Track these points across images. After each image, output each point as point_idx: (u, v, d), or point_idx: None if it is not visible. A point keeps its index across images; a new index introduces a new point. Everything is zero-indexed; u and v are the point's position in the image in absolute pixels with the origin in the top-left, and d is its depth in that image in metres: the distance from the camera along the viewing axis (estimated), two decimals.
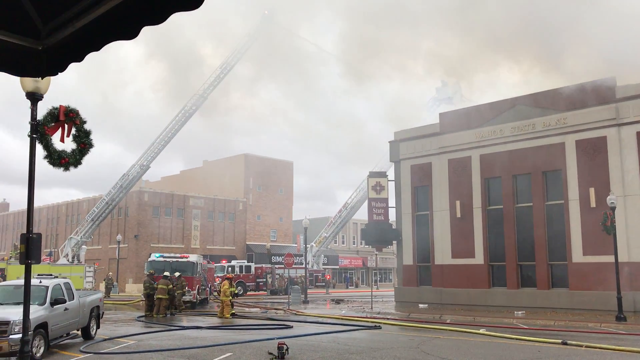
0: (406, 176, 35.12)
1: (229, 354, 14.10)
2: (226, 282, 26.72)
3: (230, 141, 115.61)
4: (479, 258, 30.97)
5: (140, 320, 24.14)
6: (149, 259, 33.80)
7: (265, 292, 50.28)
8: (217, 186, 68.26)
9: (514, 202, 30.28)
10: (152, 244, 55.33)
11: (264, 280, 51.41)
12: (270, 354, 13.43)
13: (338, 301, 39.38)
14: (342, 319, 24.94)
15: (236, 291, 30.92)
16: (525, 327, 21.36)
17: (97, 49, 2.74)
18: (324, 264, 61.47)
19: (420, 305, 31.16)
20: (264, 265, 54.31)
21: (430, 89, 52.26)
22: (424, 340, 17.04)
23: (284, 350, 13.33)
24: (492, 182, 31.32)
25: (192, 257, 34.10)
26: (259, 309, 31.70)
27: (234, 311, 26.47)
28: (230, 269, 48.40)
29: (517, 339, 17.19)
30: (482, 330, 19.47)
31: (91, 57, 2.98)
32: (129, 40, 2.71)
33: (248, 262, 54.42)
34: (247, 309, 31.29)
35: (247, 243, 67.38)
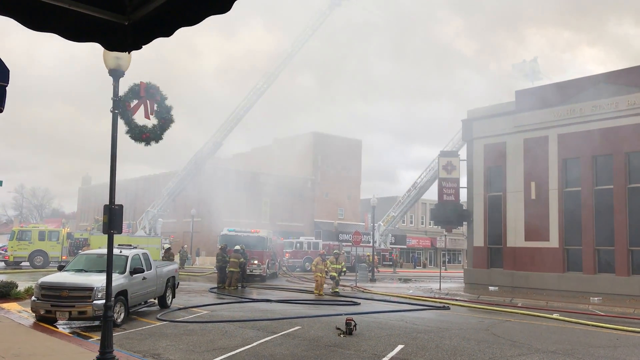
0: (479, 156, 34.23)
1: (298, 327, 14.39)
2: (319, 258, 25.95)
3: (299, 119, 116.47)
4: (553, 241, 29.90)
5: (212, 292, 25.00)
6: (222, 233, 34.80)
7: None
8: (287, 164, 69.14)
9: (593, 185, 28.92)
10: (225, 218, 56.93)
11: None
12: (339, 329, 13.59)
13: (405, 280, 39.25)
14: (409, 297, 24.87)
15: (342, 268, 27.34)
16: (602, 314, 20.52)
17: (190, 23, 2.76)
18: (391, 243, 61.31)
19: (491, 288, 30.54)
20: (331, 242, 54.77)
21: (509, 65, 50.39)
22: (494, 323, 16.72)
23: (352, 327, 13.46)
24: (570, 163, 30.01)
25: (263, 232, 34.84)
26: (327, 285, 32.08)
27: (337, 289, 25.62)
28: (298, 244, 49.18)
29: (593, 325, 16.56)
30: (555, 315, 18.87)
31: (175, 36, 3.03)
32: (222, 14, 2.69)
33: (316, 239, 55.04)
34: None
35: (315, 220, 68.07)
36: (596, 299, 25.02)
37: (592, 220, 28.63)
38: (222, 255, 28.15)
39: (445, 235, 45.59)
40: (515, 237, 31.53)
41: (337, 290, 25.35)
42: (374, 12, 62.49)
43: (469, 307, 22.02)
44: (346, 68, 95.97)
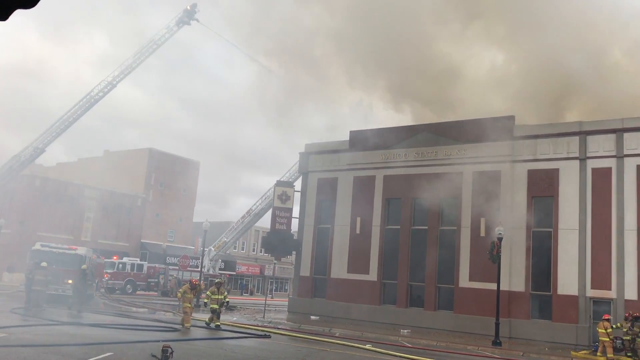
0: (312, 188, 35.51)
1: (110, 353, 13.45)
2: (187, 286, 22.71)
3: (135, 133, 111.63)
4: (372, 275, 31.77)
5: (16, 312, 22.49)
6: (33, 248, 31.68)
7: (156, 293, 48.65)
8: (117, 179, 65.48)
9: (411, 224, 31.40)
10: (39, 232, 51.95)
11: (156, 280, 49.76)
12: (154, 356, 12.94)
13: (231, 307, 38.82)
14: (232, 325, 24.58)
15: (225, 299, 23.55)
16: (409, 345, 22.08)
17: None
18: (220, 269, 60.48)
19: (312, 317, 31.41)
20: (157, 265, 52.59)
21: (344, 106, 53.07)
22: (311, 352, 17.14)
23: (168, 354, 12.88)
24: (393, 202, 32.32)
25: (81, 250, 32.35)
26: (147, 309, 30.57)
27: (219, 322, 22.50)
28: (121, 265, 46.45)
29: (399, 356, 17.70)
30: (368, 346, 19.90)
31: None
32: (28, 9, 2.49)
33: (141, 260, 52.44)
34: (134, 309, 30.08)
35: (142, 241, 64.95)
36: (406, 331, 26.90)
37: (408, 257, 30.97)
38: (31, 273, 25.56)
39: (275, 264, 46.16)
40: (339, 269, 32.97)
41: (218, 323, 22.57)
42: (222, 36, 62.37)
43: (290, 335, 22.38)
44: (189, 88, 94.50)
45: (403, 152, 31.85)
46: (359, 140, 33.79)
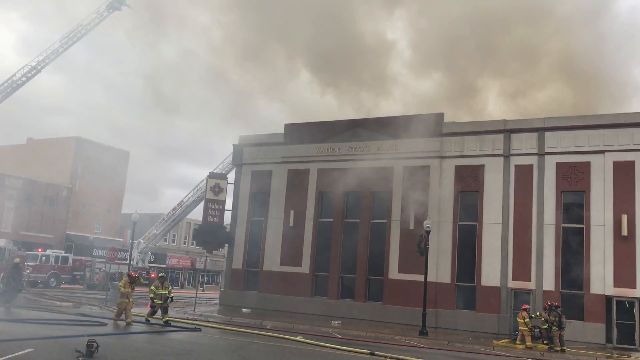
0: (246, 181, 35.32)
1: (30, 349, 12.93)
2: (126, 279, 21.57)
3: (61, 122, 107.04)
4: (305, 267, 32.03)
5: None
6: None
7: (82, 287, 47.06)
8: (41, 168, 62.66)
9: (344, 217, 31.85)
10: None
11: (82, 273, 48.13)
12: (78, 351, 12.56)
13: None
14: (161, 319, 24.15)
15: (169, 294, 22.51)
16: (340, 336, 22.45)
17: None
18: (150, 262, 59.17)
19: (244, 310, 31.33)
20: (83, 257, 50.85)
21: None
22: (242, 345, 17.13)
23: (93, 349, 12.55)
24: (326, 196, 32.66)
25: (0, 242, 30.83)
26: (71, 303, 29.54)
27: (167, 318, 21.53)
28: (44, 258, 44.62)
29: (330, 347, 17.99)
30: (299, 338, 20.09)
31: None
32: None
33: (66, 252, 50.54)
34: (57, 303, 28.99)
35: (68, 232, 62.55)
36: (336, 322, 27.31)
37: (340, 249, 31.42)
38: None
39: (207, 256, 45.52)
40: (272, 262, 33.03)
41: (167, 318, 21.67)
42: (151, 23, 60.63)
43: (221, 329, 22.24)
44: (119, 75, 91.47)
45: (337, 146, 32.20)
46: (293, 133, 33.87)
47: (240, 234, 34.88)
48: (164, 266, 71.85)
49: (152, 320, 21.67)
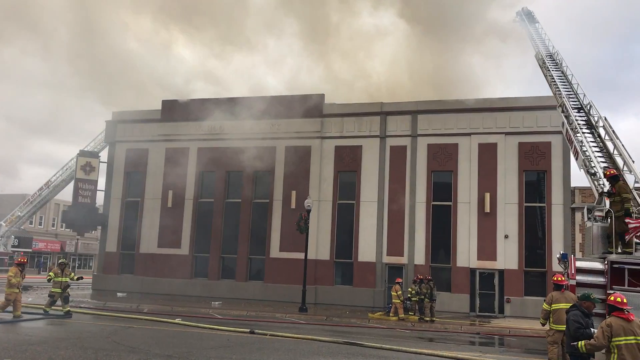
0: (120, 160, 33.67)
1: None
2: (15, 268, 18.90)
3: None
4: (184, 249, 31.34)
5: None
6: None
7: None
8: None
9: (225, 197, 31.48)
10: None
11: None
12: None
13: (26, 287, 35.47)
14: (27, 306, 22.51)
15: (69, 281, 20.36)
16: (220, 317, 22.29)
17: None
18: (13, 246, 54.81)
19: (119, 294, 30.08)
20: None
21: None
22: (116, 330, 16.43)
23: None
24: (207, 175, 32.05)
25: None
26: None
27: (67, 308, 19.76)
28: None
29: (210, 328, 17.81)
30: (177, 320, 19.67)
31: None
32: None
33: None
34: None
35: None
36: (217, 303, 27.07)
37: (221, 230, 31.07)
38: None
39: (78, 239, 42.90)
40: (149, 244, 31.94)
41: (68, 309, 19.84)
42: None
43: (94, 314, 21.17)
44: None
45: (218, 125, 31.59)
46: (172, 110, 32.74)
47: (115, 215, 33.30)
48: (30, 250, 67.02)
49: (50, 312, 19.91)
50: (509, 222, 27.09)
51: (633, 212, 13.85)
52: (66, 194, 46.92)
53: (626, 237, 13.46)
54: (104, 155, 35.54)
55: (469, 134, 28.28)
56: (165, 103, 33.38)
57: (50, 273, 20.83)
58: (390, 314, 23.92)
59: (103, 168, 34.61)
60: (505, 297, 26.54)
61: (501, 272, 26.83)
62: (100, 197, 34.77)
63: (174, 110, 32.61)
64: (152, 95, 44.73)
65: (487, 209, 27.16)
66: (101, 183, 34.68)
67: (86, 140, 50.87)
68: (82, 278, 21.93)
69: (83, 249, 70.45)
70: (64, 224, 57.56)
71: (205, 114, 31.61)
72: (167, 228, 31.69)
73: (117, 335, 15.46)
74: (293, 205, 29.57)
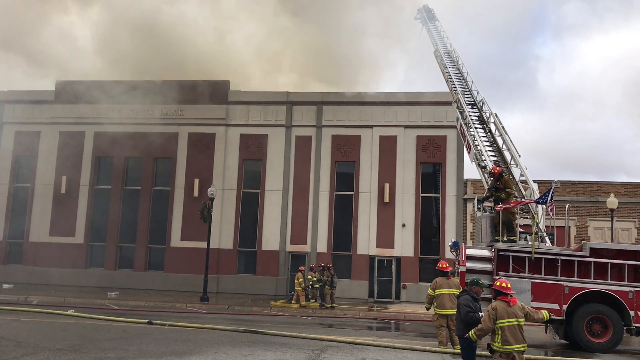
0: (8, 143, 31.49)
1: None
2: None
3: None
4: (79, 237, 29.95)
5: None
6: None
7: None
8: None
9: (123, 184, 30.36)
10: None
11: None
12: None
13: None
14: None
15: None
16: (117, 307, 21.56)
17: None
18: None
19: (5, 286, 28.20)
20: None
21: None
22: (1, 324, 15.45)
23: None
24: (104, 161, 30.74)
25: None
26: None
27: None
28: None
29: (105, 319, 17.18)
30: (70, 312, 18.79)
31: None
32: None
33: None
34: None
35: None
36: (113, 293, 26.12)
37: (119, 218, 29.95)
38: None
39: None
40: (40, 232, 30.23)
41: None
42: None
43: None
44: None
45: (117, 108, 30.29)
46: (66, 92, 30.97)
47: (1, 202, 31.12)
48: None
49: None
50: (406, 211, 28.20)
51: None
52: None
53: (502, 205, 14.76)
54: None
55: (371, 126, 29.06)
56: (59, 84, 31.53)
57: None
58: (293, 302, 24.22)
59: None
60: (402, 283, 27.68)
61: (398, 259, 27.92)
62: None
63: (69, 92, 30.86)
64: (42, 74, 42.10)
65: (387, 199, 28.10)
66: None
67: None
68: None
69: None
70: None
71: (102, 96, 30.18)
72: (60, 215, 30.09)
73: (2, 329, 14.54)
74: (196, 194, 29.05)
